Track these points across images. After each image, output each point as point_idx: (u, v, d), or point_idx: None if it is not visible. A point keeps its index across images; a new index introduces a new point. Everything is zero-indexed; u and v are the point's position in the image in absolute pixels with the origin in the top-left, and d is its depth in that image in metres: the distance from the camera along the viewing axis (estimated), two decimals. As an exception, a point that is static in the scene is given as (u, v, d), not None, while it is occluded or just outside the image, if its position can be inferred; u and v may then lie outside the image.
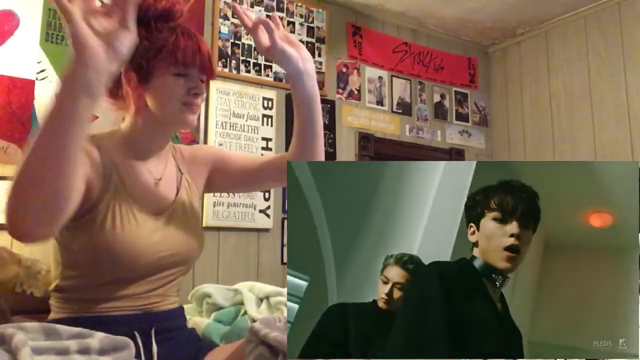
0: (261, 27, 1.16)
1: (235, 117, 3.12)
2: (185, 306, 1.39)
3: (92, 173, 1.06)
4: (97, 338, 0.64)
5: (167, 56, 1.10)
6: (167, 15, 1.15)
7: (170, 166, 1.25)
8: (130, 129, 1.17)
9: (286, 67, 1.17)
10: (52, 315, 1.13)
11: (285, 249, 3.19)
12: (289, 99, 3.35)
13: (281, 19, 3.41)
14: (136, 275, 1.10)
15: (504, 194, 0.96)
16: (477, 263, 0.97)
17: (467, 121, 4.26)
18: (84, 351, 0.62)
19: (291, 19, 3.46)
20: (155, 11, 1.13)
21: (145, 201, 1.14)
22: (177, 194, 1.22)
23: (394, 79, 3.89)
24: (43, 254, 1.92)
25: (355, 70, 3.70)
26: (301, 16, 3.50)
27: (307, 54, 1.20)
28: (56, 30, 2.60)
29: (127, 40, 0.84)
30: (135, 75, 1.12)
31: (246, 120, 3.17)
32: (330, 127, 3.48)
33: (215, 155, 1.35)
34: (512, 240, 0.94)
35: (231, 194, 3.00)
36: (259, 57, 3.28)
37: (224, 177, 1.34)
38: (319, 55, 3.54)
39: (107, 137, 1.17)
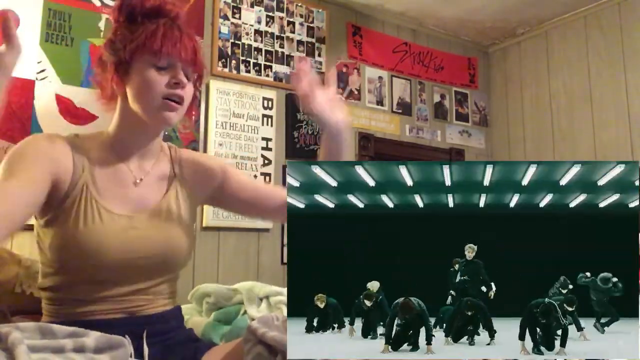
0: (313, 87, 1.14)
1: (235, 117, 3.13)
2: (185, 306, 1.39)
3: (60, 171, 1.06)
4: (93, 337, 0.64)
5: (143, 44, 1.09)
6: (156, 14, 1.13)
7: (160, 166, 1.23)
8: (113, 127, 1.17)
9: (324, 128, 1.18)
10: (43, 320, 1.12)
11: (285, 249, 3.19)
12: (289, 99, 3.35)
13: (281, 19, 3.42)
14: (111, 275, 1.08)
15: None
16: None
17: (467, 121, 4.26)
18: (80, 349, 0.62)
19: (291, 19, 3.46)
20: (143, 9, 1.13)
21: (119, 200, 1.12)
22: (164, 195, 1.20)
23: (394, 79, 3.88)
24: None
25: (355, 70, 3.70)
26: (301, 16, 3.51)
27: (345, 113, 1.21)
28: (56, 30, 2.60)
29: (11, 57, 0.91)
30: (115, 68, 1.11)
31: (246, 120, 3.17)
32: (330, 127, 3.48)
33: (224, 173, 1.30)
34: None
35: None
36: (259, 57, 3.29)
37: (226, 199, 1.31)
38: (319, 55, 3.54)
39: (90, 137, 1.17)
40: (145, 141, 1.18)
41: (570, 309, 1.85)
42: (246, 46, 3.24)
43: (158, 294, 1.16)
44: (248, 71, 3.23)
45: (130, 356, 1.02)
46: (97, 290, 1.08)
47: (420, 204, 3.16)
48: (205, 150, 2.98)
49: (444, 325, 2.15)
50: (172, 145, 1.30)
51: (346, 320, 2.46)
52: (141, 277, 1.12)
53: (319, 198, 3.07)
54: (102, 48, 1.16)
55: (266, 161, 3.20)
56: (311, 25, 3.54)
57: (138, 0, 1.12)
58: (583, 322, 2.05)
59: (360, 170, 2.51)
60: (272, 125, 3.26)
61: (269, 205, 1.31)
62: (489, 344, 1.96)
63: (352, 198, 3.07)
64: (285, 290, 1.85)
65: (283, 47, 3.39)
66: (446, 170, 2.52)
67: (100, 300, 1.08)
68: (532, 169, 2.49)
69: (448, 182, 2.68)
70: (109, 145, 1.16)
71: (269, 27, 3.36)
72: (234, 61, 3.17)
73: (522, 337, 1.78)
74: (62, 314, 1.09)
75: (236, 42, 3.21)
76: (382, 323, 2.15)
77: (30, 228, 1.13)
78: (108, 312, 1.08)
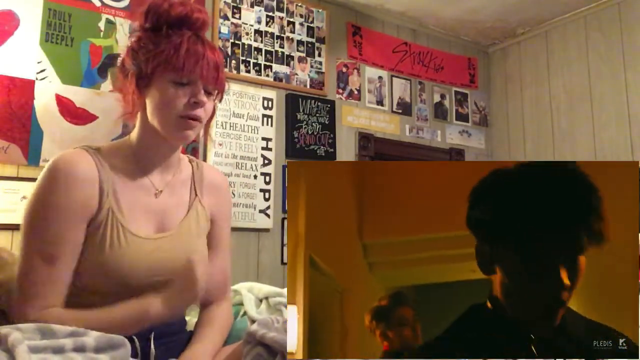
0: None
1: (235, 117, 3.13)
2: (184, 306, 1.39)
3: (91, 208, 1.06)
4: (93, 336, 0.64)
5: (165, 60, 1.06)
6: (182, 23, 1.11)
7: (180, 178, 1.22)
8: (135, 139, 1.15)
9: None
10: None
11: (285, 248, 3.19)
12: (288, 99, 3.35)
13: (281, 19, 3.42)
14: (129, 291, 1.07)
15: None
16: None
17: (467, 121, 4.26)
18: (80, 349, 0.62)
19: (291, 19, 3.46)
20: (169, 17, 1.10)
21: (142, 217, 1.12)
22: (186, 215, 1.19)
23: (394, 79, 3.89)
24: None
25: (355, 70, 3.70)
26: (301, 16, 3.51)
27: None
28: (56, 30, 2.60)
29: None
30: (135, 78, 1.09)
31: (246, 120, 3.17)
32: (330, 127, 3.48)
33: (220, 220, 1.27)
34: None
35: (231, 192, 3.00)
36: (259, 57, 3.29)
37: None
38: (319, 55, 3.54)
39: (114, 150, 1.15)
40: (166, 154, 1.17)
41: None
42: (246, 46, 3.25)
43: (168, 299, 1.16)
44: (248, 71, 3.23)
45: (137, 356, 1.02)
46: (111, 300, 1.06)
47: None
48: (205, 151, 2.98)
49: None
50: (192, 159, 1.28)
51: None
52: (157, 290, 1.11)
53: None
54: (125, 55, 1.14)
55: (266, 161, 3.20)
56: (311, 25, 3.54)
57: (165, 8, 1.10)
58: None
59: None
60: (272, 125, 3.26)
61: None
62: None
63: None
64: (285, 290, 1.85)
65: (283, 47, 3.39)
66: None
67: (114, 304, 1.07)
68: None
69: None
70: (131, 157, 1.15)
71: (269, 27, 3.36)
72: (234, 61, 3.18)
73: None
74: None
75: (236, 42, 3.21)
76: None
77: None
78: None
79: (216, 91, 1.14)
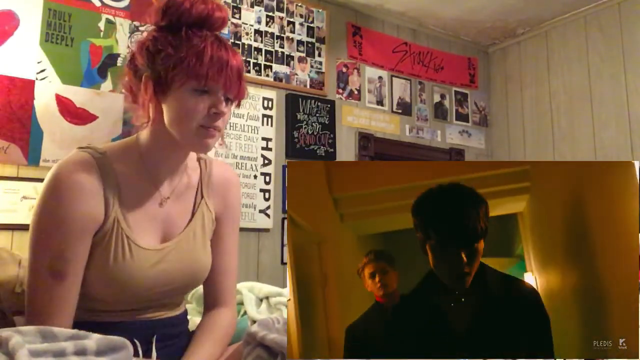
0: None
1: (235, 117, 3.13)
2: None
3: (96, 221, 1.02)
4: (94, 339, 0.64)
5: (188, 67, 0.99)
6: (203, 23, 1.03)
7: (188, 182, 1.16)
8: (146, 144, 1.09)
9: None
10: None
11: (285, 248, 3.19)
12: (288, 99, 3.35)
13: (281, 19, 3.42)
14: (135, 300, 1.07)
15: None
16: None
17: (467, 121, 4.26)
18: (81, 352, 0.62)
19: (291, 19, 3.46)
20: (190, 17, 1.02)
21: (147, 227, 1.08)
22: (191, 220, 1.15)
23: (394, 79, 3.88)
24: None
25: (355, 70, 3.70)
26: (301, 16, 3.51)
27: None
28: (56, 30, 2.60)
29: None
30: (153, 84, 1.02)
31: (246, 120, 3.17)
32: (330, 127, 3.48)
33: (226, 219, 1.25)
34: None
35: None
36: (259, 57, 3.29)
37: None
38: (319, 55, 3.54)
39: (121, 154, 1.08)
40: (178, 161, 1.12)
41: None
42: (246, 46, 3.24)
43: (172, 304, 1.16)
44: (248, 71, 3.23)
45: (139, 356, 1.02)
46: (115, 308, 1.07)
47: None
48: (205, 150, 2.99)
49: None
50: (202, 157, 1.21)
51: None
52: (163, 298, 1.12)
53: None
54: (137, 52, 1.06)
55: (266, 161, 3.20)
56: (311, 25, 3.54)
57: (187, 7, 1.02)
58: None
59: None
60: (272, 125, 3.26)
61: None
62: None
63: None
64: (285, 290, 1.85)
65: (283, 47, 3.39)
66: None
67: (115, 311, 1.07)
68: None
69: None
70: (139, 163, 1.08)
71: (269, 27, 3.36)
72: (234, 61, 3.17)
73: None
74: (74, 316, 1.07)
75: (236, 42, 3.21)
76: None
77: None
78: (120, 316, 1.07)
79: (236, 99, 1.08)
